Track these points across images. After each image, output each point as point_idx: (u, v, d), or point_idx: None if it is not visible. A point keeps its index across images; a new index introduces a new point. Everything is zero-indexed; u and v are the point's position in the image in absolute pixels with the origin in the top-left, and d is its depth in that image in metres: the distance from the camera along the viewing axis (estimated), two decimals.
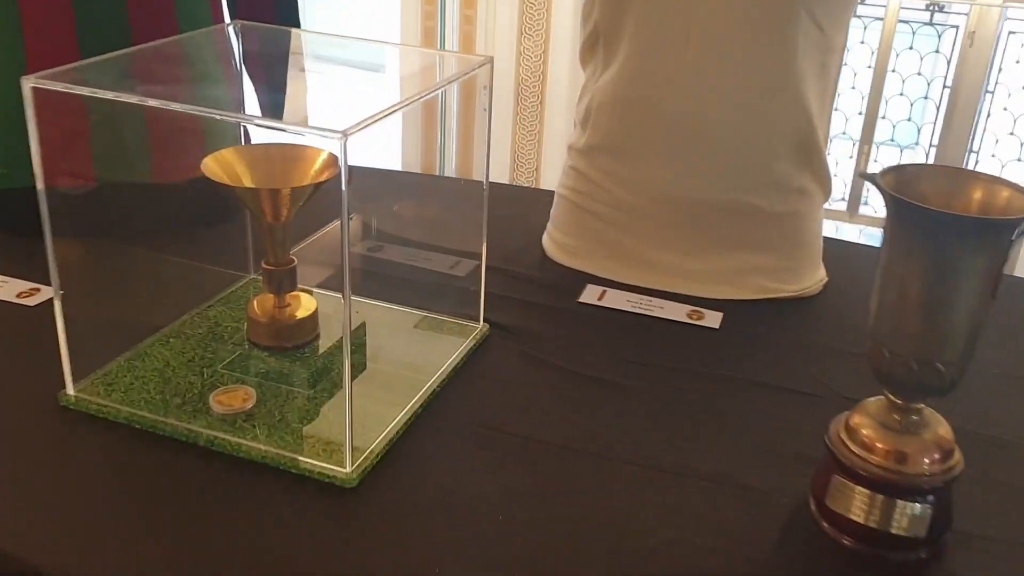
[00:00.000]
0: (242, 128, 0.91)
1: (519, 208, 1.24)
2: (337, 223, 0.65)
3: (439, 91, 0.70)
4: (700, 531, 0.70)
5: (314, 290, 0.87)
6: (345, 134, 0.62)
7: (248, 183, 0.79)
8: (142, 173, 1.08)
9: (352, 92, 1.11)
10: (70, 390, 0.79)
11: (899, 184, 0.65)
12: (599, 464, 0.76)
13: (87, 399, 0.78)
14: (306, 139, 0.78)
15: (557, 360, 0.90)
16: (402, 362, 0.87)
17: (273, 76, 1.16)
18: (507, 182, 2.88)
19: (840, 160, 2.80)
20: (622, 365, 0.90)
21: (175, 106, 0.66)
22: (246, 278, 1.00)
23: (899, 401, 0.68)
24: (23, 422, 0.77)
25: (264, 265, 0.81)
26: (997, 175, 0.67)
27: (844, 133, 2.80)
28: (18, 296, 0.95)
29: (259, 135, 0.85)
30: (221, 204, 1.11)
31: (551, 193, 1.15)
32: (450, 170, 3.01)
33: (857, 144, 2.76)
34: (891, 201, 0.63)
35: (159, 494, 0.70)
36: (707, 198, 1.00)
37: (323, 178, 0.77)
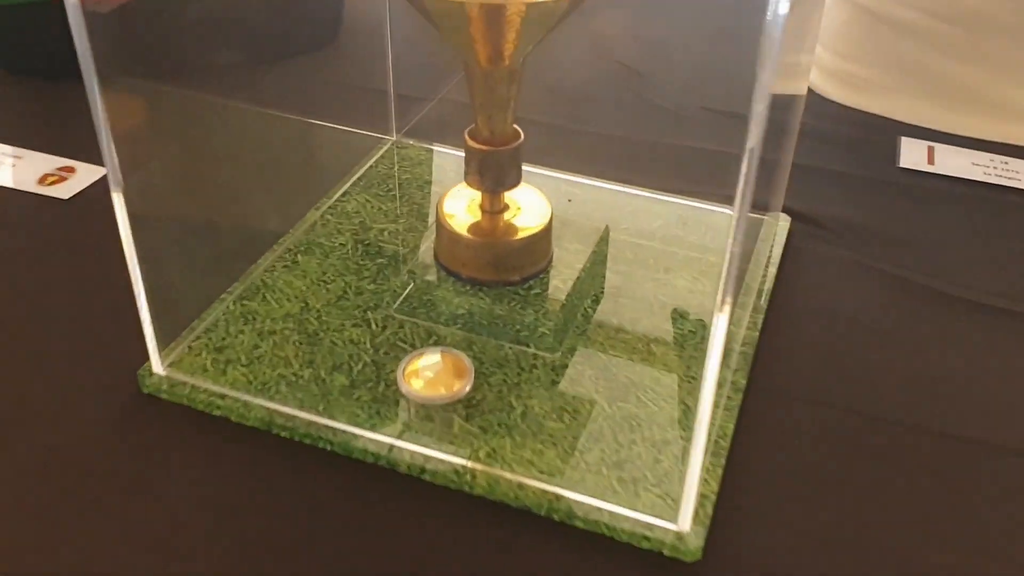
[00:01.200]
0: None
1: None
2: None
3: None
4: None
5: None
6: None
7: None
8: None
9: None
10: (157, 367, 0.46)
11: None
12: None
13: (186, 382, 0.45)
14: None
15: (912, 274, 0.56)
16: (674, 293, 0.53)
17: None
18: None
19: None
20: (1013, 277, 0.56)
21: None
22: (388, 142, 0.65)
23: None
24: (81, 428, 0.45)
25: (471, 141, 0.46)
26: None
27: None
28: (41, 182, 0.61)
29: None
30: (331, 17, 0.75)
31: None
32: None
33: None
34: None
35: (320, 553, 0.39)
36: None
37: None
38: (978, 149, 0.68)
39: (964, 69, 0.68)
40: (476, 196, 0.49)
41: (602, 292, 0.52)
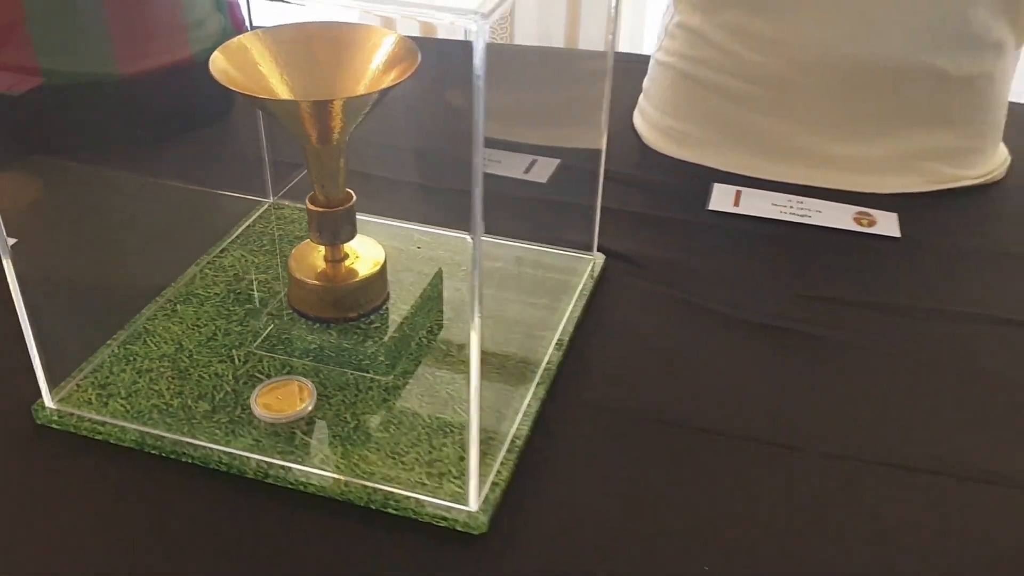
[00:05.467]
0: None
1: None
2: None
3: None
4: (971, 556, 0.49)
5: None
6: (484, 15, 0.37)
7: (283, 92, 0.52)
8: (103, 62, 0.81)
9: None
10: (48, 402, 0.55)
11: None
12: (814, 466, 0.54)
13: (75, 414, 0.54)
14: (371, 17, 0.52)
15: (705, 300, 0.67)
16: (501, 322, 0.63)
17: None
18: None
19: None
20: (793, 302, 0.67)
21: None
22: (264, 204, 0.75)
23: None
24: None
25: (310, 205, 0.56)
26: None
27: None
28: None
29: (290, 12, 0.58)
30: (220, 97, 0.84)
31: (645, 60, 0.89)
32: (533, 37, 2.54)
33: None
34: None
35: (195, 549, 0.48)
36: (874, 61, 0.75)
37: (395, 79, 0.51)
38: (779, 191, 0.79)
39: (768, 123, 0.79)
40: (321, 249, 0.59)
41: (439, 324, 0.62)
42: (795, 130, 0.79)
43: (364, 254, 0.59)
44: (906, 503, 0.52)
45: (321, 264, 0.58)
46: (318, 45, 0.53)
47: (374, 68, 0.53)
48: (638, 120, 0.88)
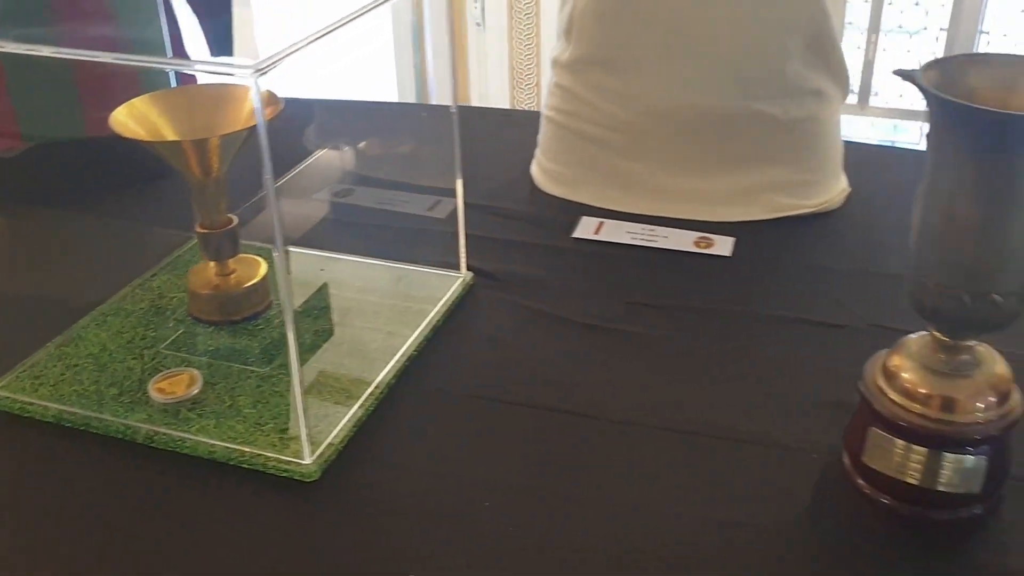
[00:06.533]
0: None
1: (512, 135, 1.11)
2: (301, 166, 0.54)
3: (375, 8, 0.58)
4: (723, 500, 0.60)
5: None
6: (258, 70, 0.51)
7: (168, 135, 0.67)
8: (74, 127, 0.97)
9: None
10: None
11: (943, 80, 0.53)
12: (605, 430, 0.66)
13: (10, 397, 0.68)
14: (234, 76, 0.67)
15: (552, 308, 0.79)
16: (374, 324, 0.76)
17: (215, 5, 1.04)
18: (508, 106, 2.71)
19: (847, 51, 2.63)
20: (625, 308, 0.79)
21: (45, 51, 0.54)
22: (194, 239, 0.89)
23: (947, 339, 0.58)
24: None
25: (198, 228, 0.70)
26: None
27: (850, 23, 2.63)
28: None
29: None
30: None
31: None
32: (446, 97, 2.84)
33: (865, 33, 2.59)
34: (935, 102, 0.51)
35: (94, 499, 0.61)
36: (711, 109, 0.88)
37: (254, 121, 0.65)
38: (637, 222, 0.92)
39: (627, 164, 0.93)
40: (212, 264, 0.72)
41: (328, 330, 0.76)
42: (650, 169, 0.92)
43: (248, 268, 0.73)
44: (685, 461, 0.63)
45: (212, 278, 0.72)
46: (198, 100, 0.68)
47: (243, 114, 0.67)
48: (534, 167, 1.02)
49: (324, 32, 0.54)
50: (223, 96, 0.69)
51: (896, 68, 0.53)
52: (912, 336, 0.60)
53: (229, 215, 0.70)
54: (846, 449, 0.63)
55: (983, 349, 0.59)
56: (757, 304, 0.80)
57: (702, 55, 0.86)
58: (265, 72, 0.50)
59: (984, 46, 2.55)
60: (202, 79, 0.71)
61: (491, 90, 2.70)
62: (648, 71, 0.88)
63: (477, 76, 2.74)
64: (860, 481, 0.61)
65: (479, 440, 0.66)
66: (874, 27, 2.59)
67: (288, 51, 0.53)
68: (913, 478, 0.58)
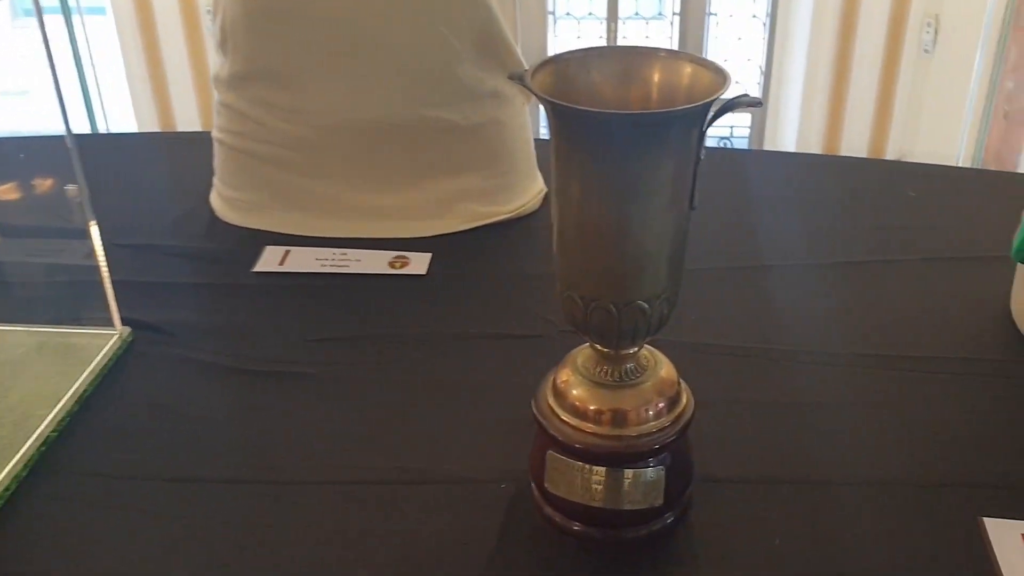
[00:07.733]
0: None
1: (199, 158, 1.00)
2: None
3: None
4: (415, 549, 0.55)
5: None
6: None
7: None
8: None
9: None
10: None
11: (561, 79, 0.50)
12: (280, 495, 0.59)
13: None
14: None
15: (227, 358, 0.71)
16: (2, 407, 0.65)
17: None
18: (199, 129, 2.48)
19: (589, 41, 2.69)
20: (310, 347, 0.72)
21: None
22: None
23: (607, 350, 0.54)
24: None
25: None
26: (677, 49, 0.52)
27: (591, 14, 2.69)
28: None
29: None
30: None
31: None
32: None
33: (605, 22, 2.66)
34: (546, 105, 0.47)
35: None
36: (387, 119, 0.82)
37: None
38: (330, 246, 0.85)
39: (309, 183, 0.85)
40: None
41: None
42: (335, 188, 0.85)
43: None
44: (372, 514, 0.57)
45: None
46: None
47: None
48: (212, 195, 0.93)
49: None
50: None
51: (511, 73, 0.49)
52: (579, 349, 0.57)
53: None
54: (531, 476, 0.59)
55: (647, 353, 0.56)
56: (452, 323, 0.75)
57: (367, 63, 0.80)
58: None
59: (714, 27, 2.68)
60: None
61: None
62: (313, 82, 0.82)
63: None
64: (548, 510, 0.57)
65: (129, 526, 0.56)
66: (612, 15, 2.65)
67: None
68: (598, 500, 0.55)
